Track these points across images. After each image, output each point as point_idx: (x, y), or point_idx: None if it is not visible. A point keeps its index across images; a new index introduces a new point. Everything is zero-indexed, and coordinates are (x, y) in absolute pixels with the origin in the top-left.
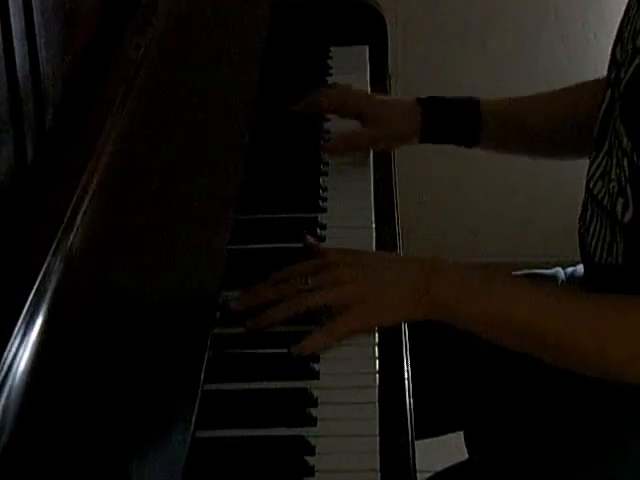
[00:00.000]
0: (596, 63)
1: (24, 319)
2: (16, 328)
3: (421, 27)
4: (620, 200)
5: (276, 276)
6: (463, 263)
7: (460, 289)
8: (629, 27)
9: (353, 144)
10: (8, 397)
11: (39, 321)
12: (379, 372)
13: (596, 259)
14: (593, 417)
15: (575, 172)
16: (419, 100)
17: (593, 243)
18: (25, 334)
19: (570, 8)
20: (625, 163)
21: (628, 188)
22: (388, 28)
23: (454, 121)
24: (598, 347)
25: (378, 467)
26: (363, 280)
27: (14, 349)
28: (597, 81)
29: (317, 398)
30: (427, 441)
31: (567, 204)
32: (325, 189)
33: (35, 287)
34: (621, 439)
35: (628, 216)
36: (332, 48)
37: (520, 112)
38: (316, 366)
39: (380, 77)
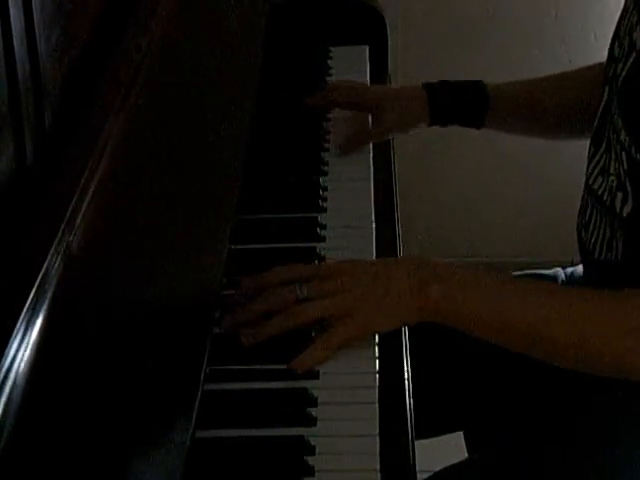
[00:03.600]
0: None
1: (24, 319)
2: (16, 328)
3: (421, 27)
4: (619, 195)
5: (266, 282)
6: (461, 264)
7: (458, 293)
8: (625, 22)
9: (369, 137)
10: (8, 397)
11: (39, 321)
12: (379, 372)
13: (595, 255)
14: (592, 416)
15: (573, 172)
16: (425, 85)
17: (592, 239)
18: (25, 334)
19: (570, 8)
20: (624, 157)
21: (627, 182)
22: (388, 28)
23: (460, 103)
24: (604, 345)
25: (378, 467)
26: (357, 288)
27: (14, 349)
28: (600, 65)
29: (317, 398)
30: (427, 441)
31: (565, 204)
32: (325, 189)
33: (35, 287)
34: (620, 437)
35: (627, 210)
36: (332, 48)
37: (528, 93)
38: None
39: (380, 77)
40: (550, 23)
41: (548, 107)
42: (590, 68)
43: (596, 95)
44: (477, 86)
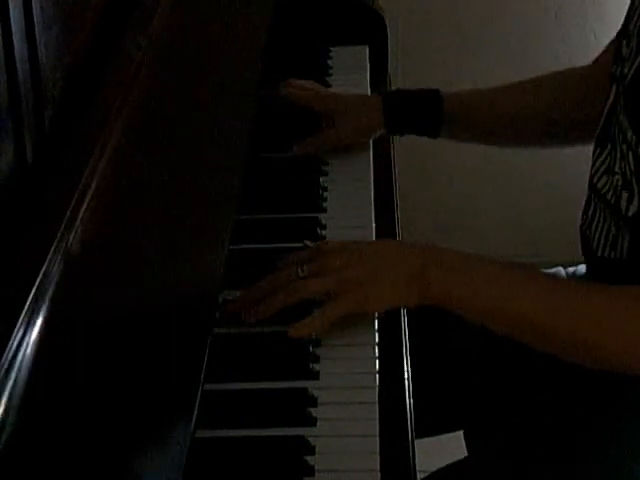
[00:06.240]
0: None
1: (24, 319)
2: (16, 328)
3: (421, 27)
4: (624, 194)
5: (273, 270)
6: (464, 253)
7: (459, 282)
8: (635, 21)
9: (322, 143)
10: (9, 397)
11: (39, 321)
12: (379, 372)
13: (599, 254)
14: (592, 417)
15: (575, 172)
16: (380, 94)
17: (596, 237)
18: (25, 334)
19: (570, 8)
20: (630, 157)
21: (634, 181)
22: (388, 28)
23: (415, 113)
24: (597, 339)
25: (378, 467)
26: (358, 265)
27: (14, 349)
28: (571, 72)
29: (317, 398)
30: (427, 441)
31: (566, 204)
32: (325, 189)
33: (35, 287)
34: (619, 440)
35: (633, 209)
36: (332, 48)
37: (487, 103)
38: (316, 366)
39: (380, 77)
40: (550, 23)
41: (506, 116)
42: (555, 76)
43: (555, 104)
44: (433, 96)
